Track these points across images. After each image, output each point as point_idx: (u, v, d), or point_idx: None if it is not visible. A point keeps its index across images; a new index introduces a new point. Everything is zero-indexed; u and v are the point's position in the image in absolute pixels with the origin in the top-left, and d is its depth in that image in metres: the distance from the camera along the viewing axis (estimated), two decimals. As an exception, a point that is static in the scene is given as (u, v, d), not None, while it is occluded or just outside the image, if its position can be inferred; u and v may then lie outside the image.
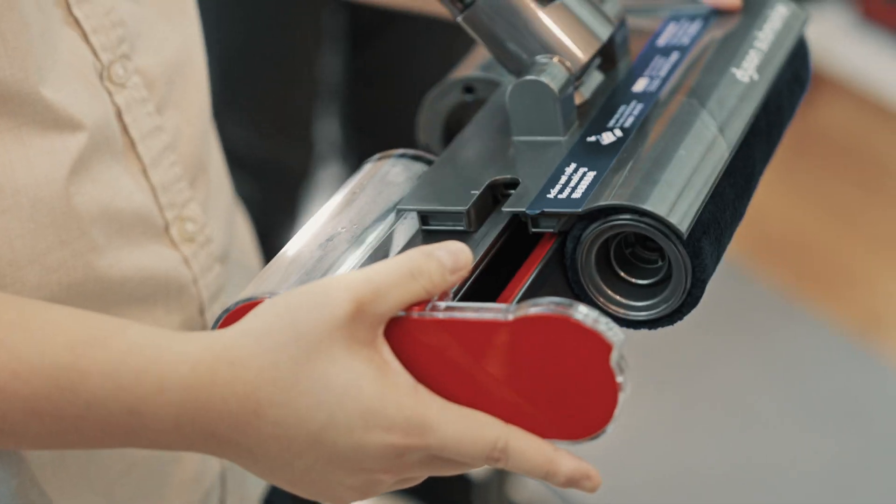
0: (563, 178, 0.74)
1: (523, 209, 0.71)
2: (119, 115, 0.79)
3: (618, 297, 0.75)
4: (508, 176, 0.76)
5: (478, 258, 0.71)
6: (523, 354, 0.63)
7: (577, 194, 0.72)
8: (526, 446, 0.65)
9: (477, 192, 0.74)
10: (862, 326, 2.39)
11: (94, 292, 0.78)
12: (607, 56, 0.84)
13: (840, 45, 3.07)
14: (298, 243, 0.73)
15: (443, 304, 0.64)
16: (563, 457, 0.66)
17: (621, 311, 0.75)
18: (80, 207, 0.76)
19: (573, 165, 0.76)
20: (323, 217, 0.75)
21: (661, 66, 0.85)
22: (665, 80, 0.83)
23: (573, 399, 0.64)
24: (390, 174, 0.79)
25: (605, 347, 0.63)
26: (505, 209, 0.73)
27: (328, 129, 1.99)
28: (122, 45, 0.79)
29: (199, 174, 0.85)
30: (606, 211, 0.71)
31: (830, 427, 2.22)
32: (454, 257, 0.66)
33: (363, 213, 0.76)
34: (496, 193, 0.76)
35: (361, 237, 0.74)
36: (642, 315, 0.76)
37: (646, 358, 2.29)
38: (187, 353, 0.63)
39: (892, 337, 2.38)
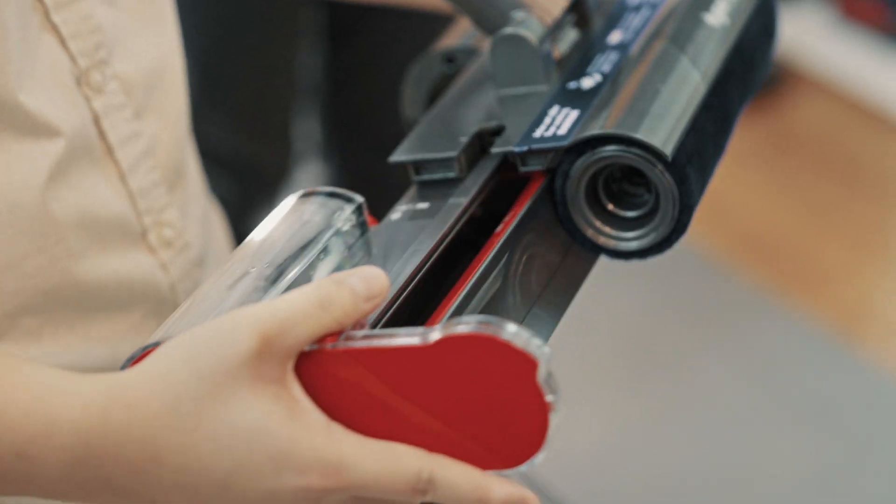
0: (548, 119, 0.77)
1: (511, 148, 0.74)
2: (97, 120, 0.79)
3: (608, 230, 0.77)
4: (494, 123, 0.78)
5: (468, 202, 0.74)
6: (446, 379, 0.60)
7: (562, 130, 0.75)
8: (453, 475, 0.61)
9: (466, 139, 0.77)
10: (840, 323, 2.40)
11: (72, 298, 0.78)
12: (581, 14, 0.88)
13: (819, 43, 3.10)
14: (210, 285, 0.70)
15: (358, 333, 0.62)
16: (495, 483, 0.62)
17: (612, 243, 0.77)
18: (57, 213, 0.76)
19: (556, 107, 0.79)
20: (236, 257, 0.72)
21: (634, 19, 0.89)
22: (638, 31, 0.86)
23: (502, 424, 0.61)
24: (307, 212, 0.75)
25: (530, 364, 0.59)
26: (494, 150, 0.75)
27: (307, 128, 2.00)
28: (99, 51, 0.80)
29: (177, 179, 0.85)
30: (593, 143, 0.74)
31: (808, 424, 2.22)
32: (367, 284, 0.62)
33: (277, 251, 0.72)
34: (484, 143, 0.79)
35: (272, 276, 0.69)
36: (633, 245, 0.78)
37: (625, 355, 2.36)
38: (80, 393, 0.60)
39: (869, 333, 2.39)
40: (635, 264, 2.29)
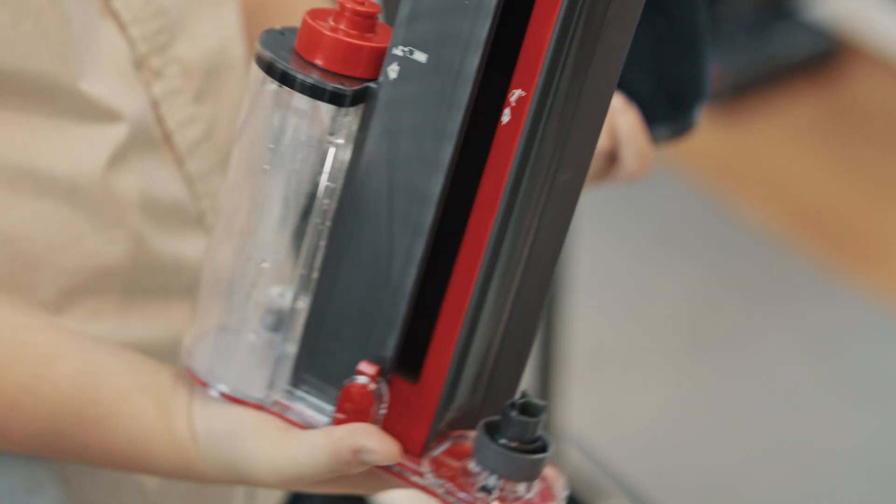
0: None
1: None
2: (155, 105, 0.80)
3: None
4: None
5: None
6: None
7: None
8: None
9: None
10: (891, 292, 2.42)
11: (130, 278, 0.79)
12: None
13: (873, 18, 3.06)
14: (220, 258, 0.75)
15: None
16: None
17: None
18: (117, 196, 0.77)
19: None
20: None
21: None
22: None
23: None
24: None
25: None
26: None
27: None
28: (160, 35, 0.80)
29: None
30: None
31: (871, 401, 2.22)
32: (380, 449, 0.69)
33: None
34: None
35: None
36: None
37: (686, 332, 2.37)
38: (166, 459, 0.74)
39: None
40: (697, 244, 2.36)
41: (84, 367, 0.74)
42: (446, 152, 0.68)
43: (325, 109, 0.70)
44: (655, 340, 2.36)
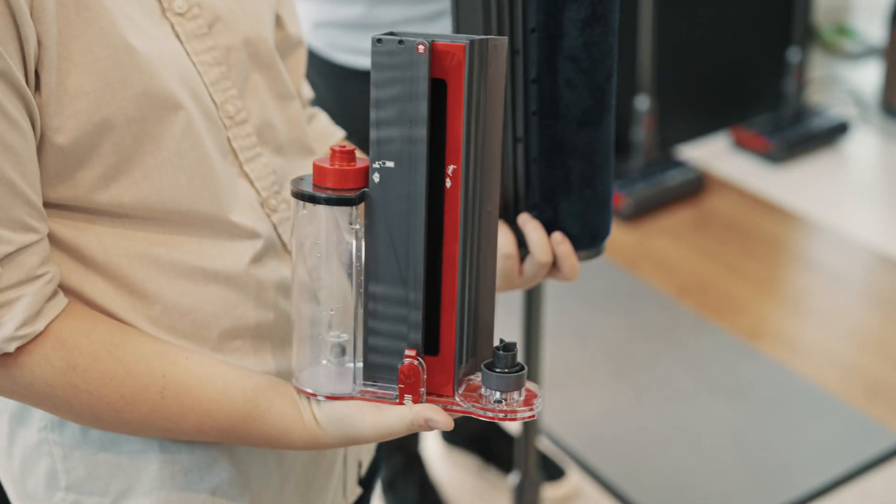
0: None
1: None
2: (275, 228, 0.78)
3: None
4: None
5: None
6: None
7: None
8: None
9: None
10: (746, 335, 2.38)
11: (267, 330, 0.77)
12: None
13: (722, 160, 3.16)
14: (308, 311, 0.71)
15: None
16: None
17: None
18: (257, 281, 0.75)
19: None
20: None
21: None
22: None
23: None
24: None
25: None
26: None
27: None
28: (274, 185, 0.78)
29: None
30: None
31: (728, 400, 2.18)
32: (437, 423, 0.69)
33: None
34: None
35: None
36: None
37: (612, 358, 2.33)
38: (301, 437, 0.73)
39: (765, 341, 2.36)
40: (619, 302, 2.21)
41: (247, 384, 0.72)
42: (420, 212, 0.67)
43: (342, 212, 0.68)
44: (592, 365, 2.32)
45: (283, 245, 0.78)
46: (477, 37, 0.66)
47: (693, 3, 3.11)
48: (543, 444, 2.05)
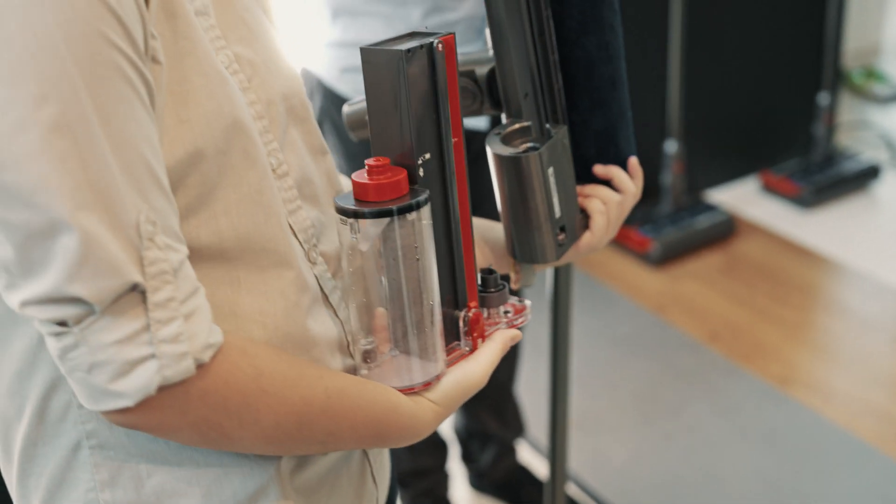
0: None
1: None
2: (318, 279, 0.79)
3: None
4: None
5: None
6: None
7: None
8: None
9: None
10: (777, 380, 2.39)
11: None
12: None
13: (751, 204, 3.17)
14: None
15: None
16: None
17: None
18: (310, 333, 0.76)
19: None
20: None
21: None
22: None
23: None
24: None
25: None
26: None
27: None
28: (313, 238, 0.79)
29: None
30: None
31: (758, 443, 2.19)
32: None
33: None
34: None
35: None
36: None
37: (642, 401, 2.34)
38: (416, 404, 0.77)
39: (795, 387, 2.36)
40: (647, 347, 2.14)
41: (378, 386, 0.75)
42: (453, 187, 0.77)
43: (387, 221, 0.72)
44: (620, 408, 2.33)
45: (326, 296, 0.79)
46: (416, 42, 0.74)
47: (722, 47, 3.14)
48: (571, 491, 2.06)
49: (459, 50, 0.79)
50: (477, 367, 0.80)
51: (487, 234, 0.99)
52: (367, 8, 1.48)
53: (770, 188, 3.23)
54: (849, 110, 3.67)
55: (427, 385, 0.76)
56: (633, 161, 1.01)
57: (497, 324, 0.84)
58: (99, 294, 0.61)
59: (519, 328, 0.81)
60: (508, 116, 0.95)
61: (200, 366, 0.64)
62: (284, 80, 0.78)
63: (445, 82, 0.75)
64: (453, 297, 0.81)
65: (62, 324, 0.62)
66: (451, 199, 0.78)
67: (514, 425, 2.04)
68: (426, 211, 0.73)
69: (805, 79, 3.31)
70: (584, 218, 0.99)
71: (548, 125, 0.95)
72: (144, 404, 0.63)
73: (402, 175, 0.73)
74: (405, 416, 0.76)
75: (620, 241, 2.96)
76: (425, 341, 0.76)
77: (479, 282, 0.85)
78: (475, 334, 0.81)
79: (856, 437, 2.20)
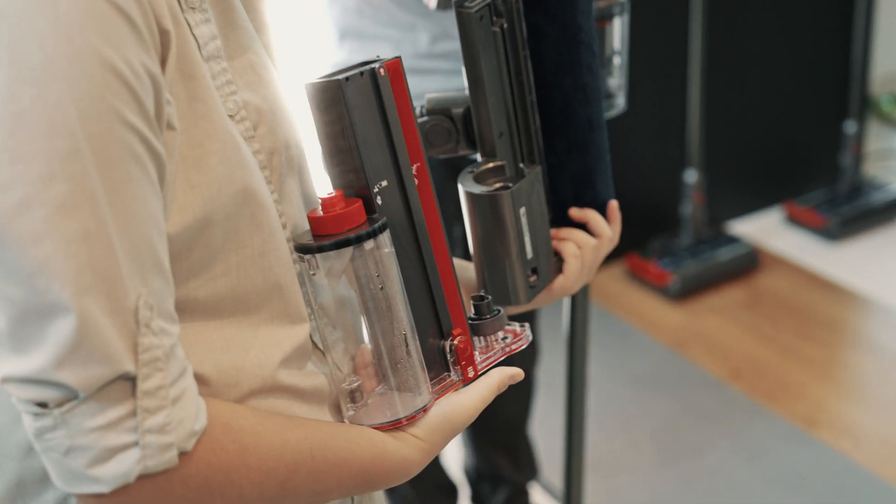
0: None
1: None
2: (310, 334, 0.80)
3: None
4: None
5: None
6: None
7: None
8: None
9: None
10: (803, 421, 2.39)
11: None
12: None
13: (775, 236, 3.19)
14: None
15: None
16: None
17: None
18: (304, 386, 0.78)
19: None
20: None
21: None
22: None
23: None
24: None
25: None
26: None
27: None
28: (305, 294, 0.80)
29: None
30: None
31: (781, 487, 2.20)
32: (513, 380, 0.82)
33: None
34: None
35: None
36: None
37: (659, 443, 2.36)
38: (399, 448, 0.77)
39: (822, 428, 2.37)
40: (666, 385, 2.13)
41: (360, 430, 0.76)
42: (419, 212, 0.80)
43: (352, 250, 0.74)
44: (637, 450, 2.35)
45: (315, 345, 0.80)
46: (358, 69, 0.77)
47: (744, 71, 3.16)
48: (588, 535, 2.11)
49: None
50: (466, 401, 0.80)
51: (461, 274, 1.00)
52: (375, 31, 1.50)
53: (795, 220, 3.26)
54: (877, 138, 3.64)
55: (412, 419, 0.77)
56: (613, 205, 1.04)
57: (493, 350, 0.86)
58: (86, 382, 0.61)
59: (528, 366, 0.83)
60: (483, 155, 0.97)
61: (184, 453, 0.65)
62: (287, 129, 0.79)
63: (393, 107, 0.77)
64: (437, 326, 0.82)
65: (42, 405, 0.62)
66: (418, 225, 0.80)
67: (527, 467, 2.05)
68: (384, 238, 0.75)
69: (831, 105, 3.31)
70: (559, 261, 1.02)
71: (522, 165, 0.98)
72: (121, 491, 0.64)
73: (357, 205, 0.75)
74: (391, 459, 0.76)
75: (639, 275, 3.00)
76: (405, 373, 0.77)
77: (473, 309, 0.86)
78: (463, 363, 0.82)
79: (887, 482, 2.20)
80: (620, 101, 1.37)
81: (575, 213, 1.04)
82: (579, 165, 1.02)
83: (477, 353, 0.86)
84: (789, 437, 2.36)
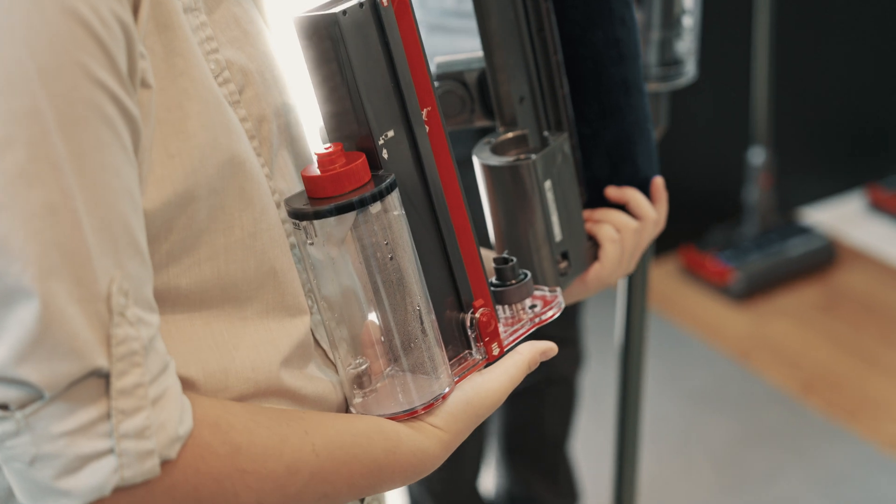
0: None
1: None
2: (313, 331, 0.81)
3: None
4: None
5: None
6: None
7: None
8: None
9: None
10: (888, 443, 2.38)
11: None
12: None
13: (856, 225, 3.21)
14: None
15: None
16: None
17: None
18: (306, 388, 0.79)
19: None
20: None
21: None
22: None
23: None
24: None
25: None
26: None
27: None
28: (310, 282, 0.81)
29: None
30: None
31: None
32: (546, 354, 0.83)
33: None
34: None
35: None
36: None
37: (719, 470, 2.37)
38: (415, 437, 0.78)
39: None
40: (728, 400, 2.21)
41: (368, 422, 0.77)
42: (431, 165, 0.79)
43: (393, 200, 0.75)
44: (696, 474, 2.36)
45: (316, 342, 0.81)
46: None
47: (818, 36, 3.16)
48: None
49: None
50: (492, 382, 0.80)
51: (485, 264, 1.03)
52: None
53: (879, 206, 3.26)
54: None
55: (429, 407, 0.78)
56: (657, 182, 1.03)
57: (520, 321, 0.86)
58: (52, 379, 0.61)
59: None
60: (502, 125, 0.97)
61: (167, 462, 0.65)
62: (279, 93, 0.79)
63: (400, 42, 0.76)
64: (455, 298, 0.82)
65: (2, 406, 0.62)
66: (431, 180, 0.79)
67: (567, 491, 2.06)
68: (393, 199, 0.74)
69: (921, 75, 3.33)
70: (594, 247, 1.02)
71: (547, 134, 0.97)
72: None
73: (360, 160, 0.74)
74: (407, 453, 0.77)
75: (695, 271, 3.00)
76: (420, 354, 0.77)
77: (495, 275, 0.86)
78: (487, 339, 0.82)
79: None
80: (690, 69, 1.36)
81: (612, 192, 1.03)
82: (615, 135, 1.01)
83: (501, 325, 0.86)
84: (873, 462, 2.37)
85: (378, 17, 0.75)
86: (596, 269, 1.01)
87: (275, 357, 0.75)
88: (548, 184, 0.95)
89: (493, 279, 0.87)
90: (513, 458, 2.00)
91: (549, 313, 0.86)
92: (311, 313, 0.79)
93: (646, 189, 1.03)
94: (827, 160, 3.31)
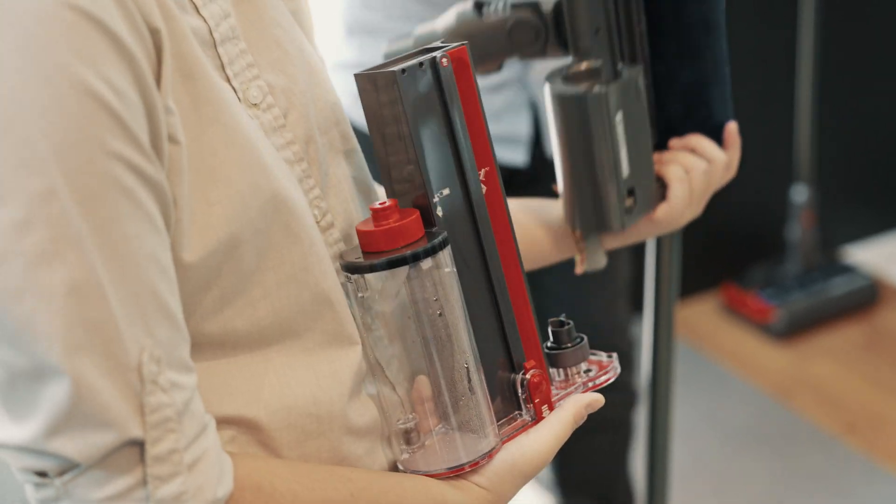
0: None
1: None
2: (372, 350, 0.81)
3: None
4: None
5: None
6: None
7: None
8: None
9: None
10: None
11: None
12: None
13: None
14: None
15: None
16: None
17: None
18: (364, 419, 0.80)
19: None
20: None
21: None
22: None
23: None
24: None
25: None
26: None
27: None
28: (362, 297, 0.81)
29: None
30: None
31: None
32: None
33: None
34: None
35: None
36: None
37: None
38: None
39: None
40: (768, 441, 2.10)
41: (414, 481, 0.78)
42: (486, 223, 0.80)
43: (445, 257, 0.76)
44: None
45: (382, 368, 0.81)
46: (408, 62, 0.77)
47: (862, 72, 3.13)
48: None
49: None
50: (538, 443, 0.81)
51: (543, 213, 1.03)
52: (387, 26, 1.51)
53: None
54: None
55: (475, 465, 0.78)
56: (731, 127, 1.03)
57: (574, 385, 0.86)
58: (86, 451, 0.62)
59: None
60: (575, 56, 0.97)
61: None
62: (324, 110, 0.80)
63: (458, 102, 0.78)
64: (507, 358, 0.83)
65: (41, 474, 0.64)
66: (485, 239, 0.80)
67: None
68: (445, 256, 0.76)
69: (969, 110, 3.37)
70: (662, 188, 1.02)
71: (621, 67, 0.97)
72: None
73: (413, 217, 0.75)
74: None
75: (736, 309, 2.99)
76: (468, 412, 0.78)
77: (550, 337, 0.87)
78: (537, 400, 0.82)
79: None
80: None
81: (676, 143, 1.03)
82: (692, 75, 1.01)
83: (554, 388, 0.86)
84: (917, 506, 2.38)
85: (437, 76, 0.77)
86: (664, 209, 1.01)
87: (336, 389, 0.75)
88: (619, 116, 0.95)
89: (549, 343, 0.88)
90: (569, 485, 1.96)
91: (604, 378, 0.87)
92: (372, 329, 0.80)
93: (717, 135, 1.03)
94: (870, 199, 3.30)
